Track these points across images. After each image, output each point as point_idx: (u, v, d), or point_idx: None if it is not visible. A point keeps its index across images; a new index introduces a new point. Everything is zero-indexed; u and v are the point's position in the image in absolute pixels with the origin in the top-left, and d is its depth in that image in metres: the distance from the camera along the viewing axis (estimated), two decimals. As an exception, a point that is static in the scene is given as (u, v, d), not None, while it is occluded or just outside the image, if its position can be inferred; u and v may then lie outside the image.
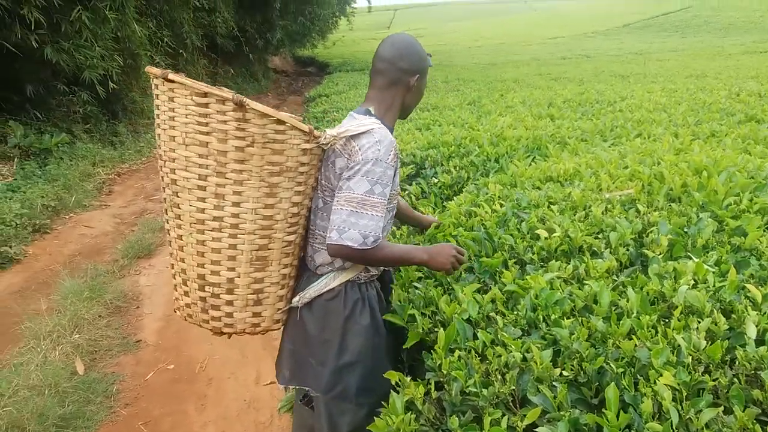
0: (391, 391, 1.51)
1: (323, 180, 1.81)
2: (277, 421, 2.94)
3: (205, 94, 1.56)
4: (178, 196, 1.68)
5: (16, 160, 7.12)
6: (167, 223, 1.76)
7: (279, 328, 1.92)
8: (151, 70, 1.64)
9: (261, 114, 1.58)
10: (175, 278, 1.81)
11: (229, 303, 1.75)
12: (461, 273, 2.04)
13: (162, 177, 1.72)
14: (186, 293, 1.78)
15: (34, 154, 7.43)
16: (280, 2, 17.37)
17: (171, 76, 1.58)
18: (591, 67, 14.98)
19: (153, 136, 10.42)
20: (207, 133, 1.59)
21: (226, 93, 1.56)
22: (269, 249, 1.72)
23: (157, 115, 1.68)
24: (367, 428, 1.47)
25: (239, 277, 1.72)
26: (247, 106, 1.56)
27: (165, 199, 1.73)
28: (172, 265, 1.80)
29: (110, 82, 8.16)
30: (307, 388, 1.91)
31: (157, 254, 5.34)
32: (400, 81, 1.83)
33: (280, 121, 1.61)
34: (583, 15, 51.31)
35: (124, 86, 9.77)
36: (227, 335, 1.84)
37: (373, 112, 1.83)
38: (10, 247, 5.08)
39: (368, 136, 1.72)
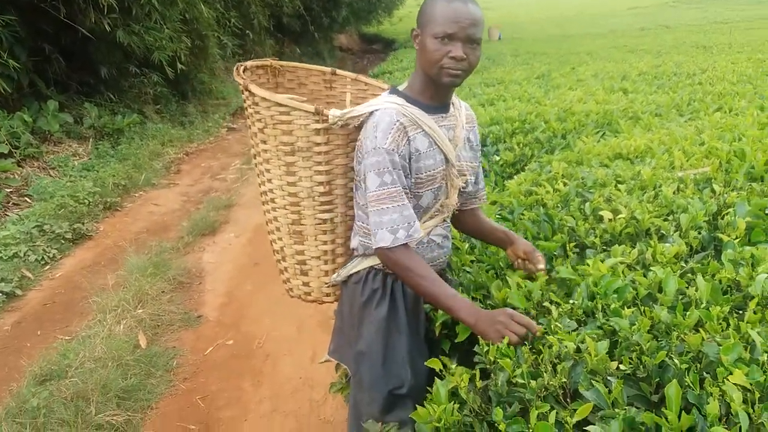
0: (436, 378, 1.44)
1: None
2: (330, 399, 2.92)
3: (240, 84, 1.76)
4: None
5: (91, 140, 7.41)
6: None
7: (332, 302, 1.96)
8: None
9: (262, 98, 1.66)
10: None
11: (285, 269, 1.91)
12: None
13: None
14: None
15: (108, 134, 7.70)
16: (347, -20, 17.31)
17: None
18: (671, 38, 14.20)
19: (220, 117, 10.68)
20: (247, 117, 1.80)
21: (242, 80, 1.71)
22: (302, 224, 1.79)
23: None
24: (408, 417, 1.40)
25: (285, 247, 1.86)
26: (251, 91, 1.66)
27: None
28: None
29: (179, 63, 8.34)
30: (343, 366, 1.90)
31: (220, 232, 5.44)
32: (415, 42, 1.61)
33: (279, 104, 1.65)
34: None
35: (193, 67, 9.97)
36: (299, 298, 1.97)
37: (401, 88, 1.67)
38: (83, 223, 5.30)
39: (370, 120, 1.58)
